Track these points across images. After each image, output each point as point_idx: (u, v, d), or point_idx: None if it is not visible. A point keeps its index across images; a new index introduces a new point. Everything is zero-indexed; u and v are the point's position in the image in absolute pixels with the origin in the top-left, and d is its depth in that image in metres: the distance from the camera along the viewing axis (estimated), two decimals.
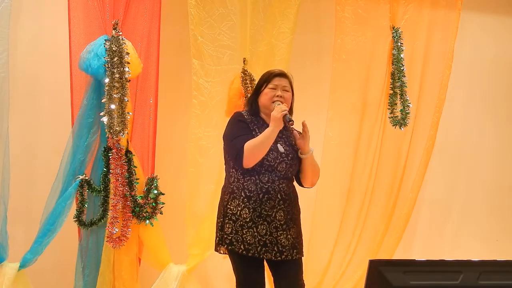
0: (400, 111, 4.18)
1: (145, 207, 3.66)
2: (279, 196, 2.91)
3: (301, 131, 3.01)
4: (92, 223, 3.60)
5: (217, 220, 3.02)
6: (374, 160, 4.22)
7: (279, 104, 2.93)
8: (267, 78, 3.05)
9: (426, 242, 4.65)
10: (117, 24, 3.61)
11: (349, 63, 4.15)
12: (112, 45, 3.54)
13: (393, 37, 4.20)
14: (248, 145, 2.86)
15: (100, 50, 3.54)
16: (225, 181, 3.06)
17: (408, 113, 4.17)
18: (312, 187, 3.16)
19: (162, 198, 3.71)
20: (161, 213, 3.71)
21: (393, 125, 4.17)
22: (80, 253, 3.64)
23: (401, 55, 4.19)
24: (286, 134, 3.06)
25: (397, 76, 4.18)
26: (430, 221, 4.70)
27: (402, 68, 4.18)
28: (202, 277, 4.06)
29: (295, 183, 3.09)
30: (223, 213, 2.97)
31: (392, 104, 4.18)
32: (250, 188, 2.90)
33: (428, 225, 4.69)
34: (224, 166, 3.09)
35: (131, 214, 3.63)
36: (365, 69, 4.22)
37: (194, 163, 3.80)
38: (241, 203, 2.90)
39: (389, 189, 4.26)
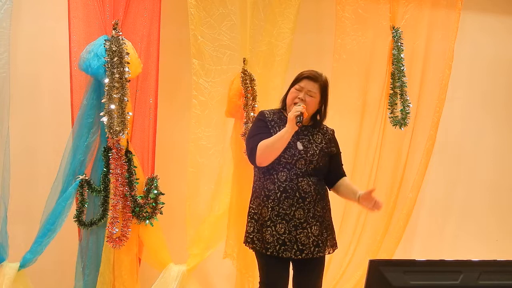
0: (400, 111, 4.18)
1: (145, 207, 3.65)
2: (297, 194, 2.91)
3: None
4: (92, 223, 3.60)
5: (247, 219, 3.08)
6: (374, 160, 4.22)
7: (299, 105, 2.94)
8: (297, 78, 3.08)
9: (426, 242, 4.65)
10: (117, 24, 3.60)
11: (349, 63, 4.15)
12: (112, 45, 3.54)
13: (393, 37, 4.20)
14: (262, 144, 2.90)
15: (100, 50, 3.53)
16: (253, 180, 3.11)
17: (408, 113, 4.17)
18: None
19: (162, 198, 3.71)
20: (161, 213, 3.70)
21: (393, 125, 4.17)
22: (80, 253, 3.64)
23: (401, 55, 4.18)
24: (312, 132, 3.06)
25: (397, 76, 4.18)
26: (430, 221, 4.70)
27: (402, 68, 4.18)
28: (202, 277, 4.06)
29: None
30: (248, 212, 3.04)
31: (392, 104, 4.18)
32: (268, 187, 2.93)
33: (428, 225, 4.68)
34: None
35: (131, 214, 3.63)
36: (365, 69, 4.22)
37: (194, 163, 3.79)
38: (261, 202, 2.95)
39: (389, 189, 4.25)
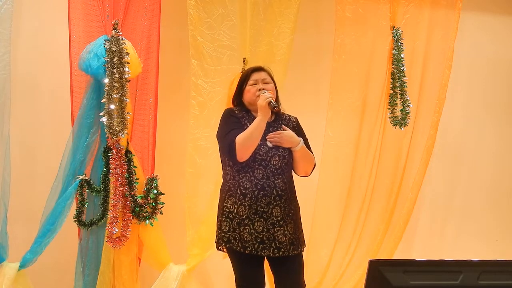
0: (400, 111, 4.18)
1: (145, 207, 3.65)
2: (274, 192, 2.92)
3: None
4: (92, 223, 3.60)
5: (217, 219, 3.05)
6: (374, 160, 4.21)
7: (265, 93, 2.96)
8: (245, 76, 3.11)
9: (426, 242, 4.65)
10: (117, 24, 3.60)
11: (349, 63, 4.15)
12: (112, 45, 3.54)
13: (393, 37, 4.20)
14: (240, 137, 2.89)
15: (100, 50, 3.53)
16: (222, 180, 3.09)
17: (408, 113, 4.17)
18: (307, 176, 3.16)
19: (162, 198, 3.71)
20: (161, 213, 3.70)
21: (393, 125, 4.17)
22: (80, 253, 3.64)
23: (401, 55, 4.18)
24: (276, 126, 3.06)
25: (397, 76, 4.18)
26: (430, 221, 4.70)
27: (402, 68, 4.18)
28: (202, 277, 4.06)
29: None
30: (221, 212, 3.00)
31: (392, 104, 4.18)
32: (245, 185, 2.92)
33: (428, 225, 4.69)
34: (222, 166, 3.10)
35: (131, 214, 3.63)
36: (365, 69, 4.21)
37: (193, 164, 3.79)
38: (237, 201, 2.93)
39: (389, 189, 4.25)
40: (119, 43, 3.56)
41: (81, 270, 3.63)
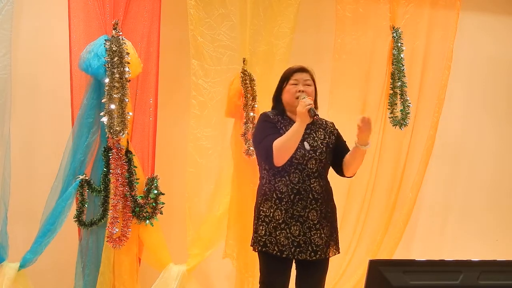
0: (400, 111, 4.18)
1: (145, 207, 3.65)
2: (310, 196, 2.91)
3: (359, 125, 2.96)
4: (92, 223, 3.60)
5: (253, 222, 3.05)
6: (374, 160, 4.22)
7: (304, 98, 2.91)
8: (287, 75, 3.06)
9: (426, 242, 4.65)
10: (117, 24, 3.60)
11: (349, 63, 4.15)
12: (112, 45, 3.54)
13: (393, 37, 4.20)
14: (277, 142, 2.86)
15: (100, 50, 3.53)
16: (259, 183, 3.07)
17: (408, 113, 4.17)
18: (352, 177, 3.15)
19: (162, 198, 3.71)
20: (161, 213, 3.70)
21: (393, 125, 4.17)
22: (80, 253, 3.64)
23: (401, 55, 4.18)
24: (314, 129, 3.04)
25: (397, 76, 4.18)
26: (430, 221, 4.70)
27: (402, 68, 4.18)
28: (202, 277, 4.06)
29: (329, 176, 3.07)
30: (257, 215, 2.99)
31: (392, 104, 4.18)
32: (281, 190, 2.91)
33: (428, 225, 4.68)
34: (258, 169, 3.10)
35: (131, 214, 3.63)
36: (365, 69, 4.21)
37: (193, 164, 3.79)
38: (273, 205, 2.92)
39: (389, 189, 4.25)
40: (120, 43, 3.56)
41: (81, 270, 3.63)
